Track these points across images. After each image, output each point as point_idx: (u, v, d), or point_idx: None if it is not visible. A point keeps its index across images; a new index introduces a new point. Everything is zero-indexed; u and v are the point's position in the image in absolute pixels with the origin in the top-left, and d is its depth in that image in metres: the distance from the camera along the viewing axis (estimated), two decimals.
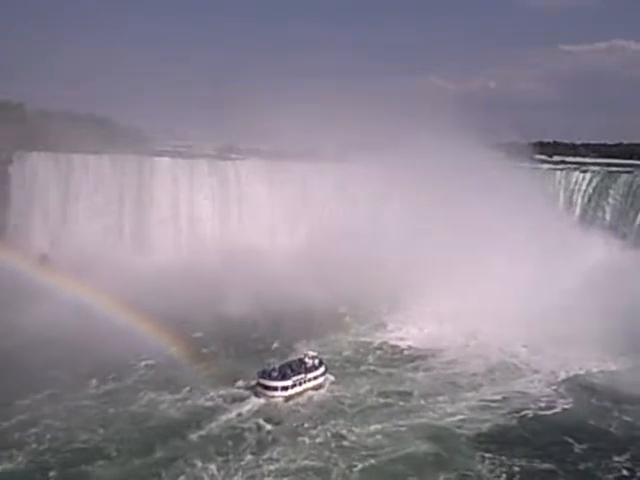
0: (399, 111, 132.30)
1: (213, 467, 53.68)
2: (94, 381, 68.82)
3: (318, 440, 58.55)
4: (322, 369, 71.98)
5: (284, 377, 68.41)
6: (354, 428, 60.89)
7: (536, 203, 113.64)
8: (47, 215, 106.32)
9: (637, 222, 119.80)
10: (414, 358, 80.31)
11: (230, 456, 55.34)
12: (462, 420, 63.45)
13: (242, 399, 66.29)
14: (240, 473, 52.97)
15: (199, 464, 53.85)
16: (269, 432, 60.07)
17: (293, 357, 75.05)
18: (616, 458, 57.62)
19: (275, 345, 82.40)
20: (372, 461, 55.38)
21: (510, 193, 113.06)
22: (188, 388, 67.88)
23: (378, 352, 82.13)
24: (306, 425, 61.45)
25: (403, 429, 61.11)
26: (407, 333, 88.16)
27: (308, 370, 70.48)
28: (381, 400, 67.41)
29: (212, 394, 66.91)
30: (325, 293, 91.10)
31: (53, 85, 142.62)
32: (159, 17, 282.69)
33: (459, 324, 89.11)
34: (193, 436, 58.34)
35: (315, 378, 70.48)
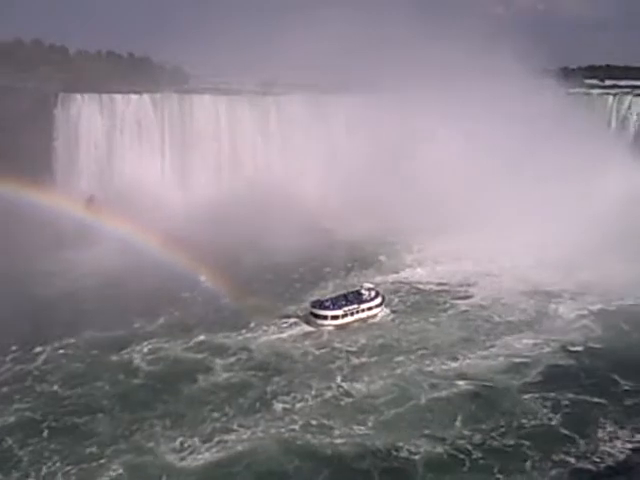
0: (444, 39, 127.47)
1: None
2: (136, 322, 68.81)
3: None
4: (377, 301, 73.54)
5: (335, 307, 70.70)
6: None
7: (587, 130, 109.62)
8: (92, 157, 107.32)
9: None
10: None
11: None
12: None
13: (293, 327, 69.49)
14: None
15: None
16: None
17: (351, 289, 76.42)
18: None
19: (300, 283, 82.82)
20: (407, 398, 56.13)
21: (560, 121, 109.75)
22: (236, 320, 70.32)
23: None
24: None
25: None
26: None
27: (363, 301, 72.30)
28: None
29: (261, 324, 69.42)
30: (365, 229, 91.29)
31: (93, 26, 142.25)
32: None
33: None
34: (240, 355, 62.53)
35: (369, 309, 72.32)
